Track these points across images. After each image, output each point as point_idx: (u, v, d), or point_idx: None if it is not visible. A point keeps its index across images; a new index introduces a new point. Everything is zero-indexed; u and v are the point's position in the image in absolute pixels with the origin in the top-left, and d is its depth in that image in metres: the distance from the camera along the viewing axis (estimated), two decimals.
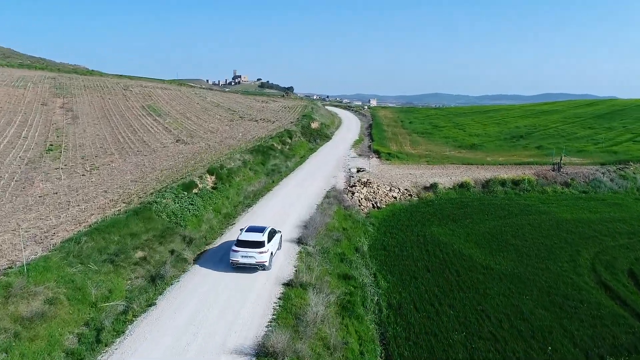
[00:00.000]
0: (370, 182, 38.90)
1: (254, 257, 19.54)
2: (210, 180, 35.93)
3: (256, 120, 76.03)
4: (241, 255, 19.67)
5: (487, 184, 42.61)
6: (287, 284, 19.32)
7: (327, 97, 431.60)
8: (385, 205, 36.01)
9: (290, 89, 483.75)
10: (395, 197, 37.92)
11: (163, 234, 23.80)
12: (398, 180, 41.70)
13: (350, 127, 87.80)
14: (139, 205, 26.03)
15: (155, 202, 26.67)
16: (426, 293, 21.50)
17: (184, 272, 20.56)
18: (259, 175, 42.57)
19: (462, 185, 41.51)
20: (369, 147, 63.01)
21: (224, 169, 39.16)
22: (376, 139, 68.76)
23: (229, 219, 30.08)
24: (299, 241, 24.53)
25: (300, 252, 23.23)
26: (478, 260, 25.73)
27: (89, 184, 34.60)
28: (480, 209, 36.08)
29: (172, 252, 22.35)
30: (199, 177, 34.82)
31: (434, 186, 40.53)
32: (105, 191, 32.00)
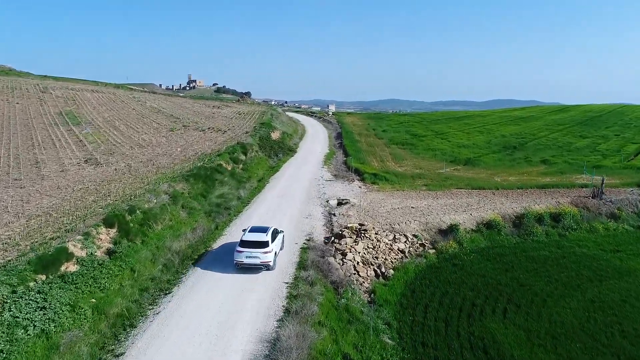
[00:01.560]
0: (364, 228, 25.39)
1: (259, 257, 19.19)
2: (106, 237, 21.24)
3: (203, 130, 61.02)
4: (245, 256, 19.26)
5: (519, 222, 30.26)
6: None
7: (286, 102, 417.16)
8: (393, 268, 22.61)
9: (248, 94, 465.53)
10: (403, 252, 24.65)
11: None
12: (399, 219, 28.51)
13: (317, 136, 74.35)
14: None
15: None
16: None
17: None
18: (196, 216, 28.13)
19: (489, 225, 28.88)
20: (345, 163, 49.69)
21: (137, 212, 24.54)
22: (351, 152, 55.63)
23: (117, 335, 15.47)
24: None
25: None
26: None
27: None
28: (534, 271, 23.46)
29: None
30: (83, 235, 20.11)
31: (453, 229, 27.61)
32: None
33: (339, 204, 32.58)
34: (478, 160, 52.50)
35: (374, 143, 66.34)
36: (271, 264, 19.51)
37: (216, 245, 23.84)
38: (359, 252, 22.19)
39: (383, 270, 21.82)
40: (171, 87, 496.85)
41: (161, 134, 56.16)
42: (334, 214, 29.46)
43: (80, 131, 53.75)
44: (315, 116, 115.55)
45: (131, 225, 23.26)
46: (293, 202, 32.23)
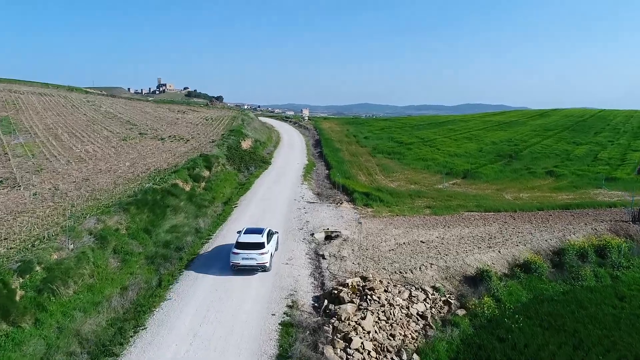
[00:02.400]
0: (369, 286, 17.92)
1: (255, 259, 19.02)
2: None
3: (162, 139, 52.43)
4: (242, 258, 19.05)
5: (558, 259, 23.54)
6: None
7: (259, 106, 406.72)
8: (417, 351, 15.19)
9: (220, 98, 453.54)
10: (424, 317, 17.34)
11: None
12: (410, 261, 21.25)
13: (293, 144, 66.68)
14: None
15: None
16: None
17: None
18: (132, 265, 20.08)
19: (526, 268, 21.95)
20: (328, 177, 42.27)
21: (35, 270, 16.41)
22: (334, 164, 48.24)
23: None
24: None
25: None
26: None
27: None
28: (608, 341, 16.59)
29: None
30: None
31: (483, 276, 20.49)
32: None
33: (328, 237, 25.05)
34: (477, 172, 46.02)
35: (357, 152, 59.20)
36: (267, 264, 19.43)
37: (154, 318, 15.86)
38: (369, 332, 14.66)
39: (405, 358, 14.38)
40: (140, 91, 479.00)
41: (110, 144, 47.26)
42: (323, 256, 21.87)
43: (9, 142, 44.35)
44: (290, 121, 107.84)
45: (18, 296, 15.09)
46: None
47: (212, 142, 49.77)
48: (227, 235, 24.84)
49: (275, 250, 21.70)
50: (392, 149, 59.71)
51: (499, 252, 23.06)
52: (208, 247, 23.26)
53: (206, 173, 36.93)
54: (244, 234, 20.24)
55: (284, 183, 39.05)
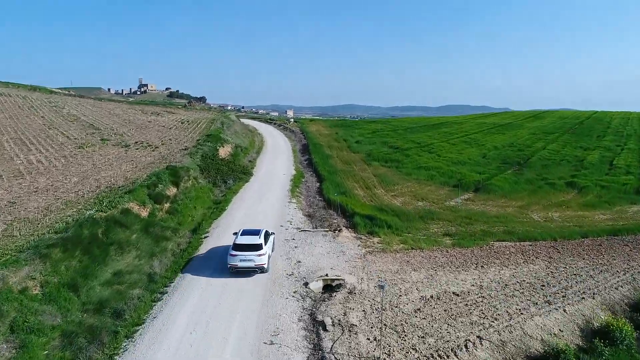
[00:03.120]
0: None
1: (253, 260, 18.60)
2: None
3: (127, 146, 45.04)
4: (240, 259, 18.59)
5: (638, 316, 17.40)
6: None
7: (243, 107, 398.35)
8: None
9: (203, 99, 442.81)
10: None
11: None
12: (447, 335, 14.79)
13: (279, 150, 59.81)
14: None
15: None
16: None
17: None
18: (36, 355, 13.05)
19: (606, 336, 15.69)
20: (320, 192, 35.64)
21: None
22: (325, 174, 41.63)
23: None
24: None
25: None
26: None
27: None
28: None
29: None
30: None
31: (556, 357, 14.07)
32: None
33: (327, 287, 18.45)
34: (489, 184, 39.91)
35: (350, 159, 52.67)
36: (265, 266, 18.92)
37: None
38: None
39: None
40: (121, 92, 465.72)
41: (62, 153, 39.73)
42: (324, 325, 15.23)
43: None
44: (275, 123, 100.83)
45: None
46: (245, 292, 17.68)
47: (185, 149, 42.65)
48: (188, 288, 17.94)
49: (272, 251, 21.21)
50: (389, 156, 53.31)
51: (564, 311, 16.76)
52: (161, 307, 16.40)
53: (172, 191, 29.90)
54: (240, 235, 19.78)
55: (267, 201, 32.24)
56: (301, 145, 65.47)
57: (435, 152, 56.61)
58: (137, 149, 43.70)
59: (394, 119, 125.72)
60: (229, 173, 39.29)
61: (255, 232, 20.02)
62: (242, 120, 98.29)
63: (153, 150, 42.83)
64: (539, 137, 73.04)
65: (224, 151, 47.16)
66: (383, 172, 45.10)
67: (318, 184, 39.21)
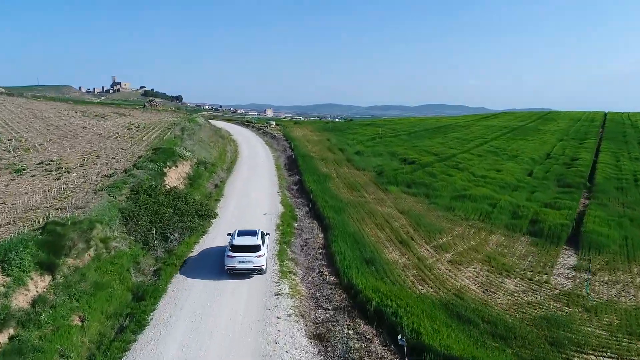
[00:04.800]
0: None
1: (252, 262, 17.47)
2: None
3: (22, 170, 28.59)
4: (238, 261, 17.43)
5: None
6: None
7: (220, 106, 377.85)
8: None
9: (179, 98, 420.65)
10: None
11: None
12: None
13: (257, 165, 44.06)
14: None
15: None
16: None
17: None
18: None
19: None
20: (327, 258, 20.20)
21: None
22: (328, 215, 26.17)
23: None
24: None
25: None
26: None
27: None
28: None
29: None
30: None
31: None
32: None
33: None
34: (587, 232, 25.07)
35: (356, 181, 37.45)
36: (264, 267, 17.97)
37: None
38: None
39: None
40: (92, 90, 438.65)
41: None
42: None
43: None
44: (253, 127, 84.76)
45: None
46: None
47: (109, 176, 26.62)
48: None
49: (267, 251, 19.09)
50: (408, 176, 38.26)
51: None
52: None
53: (41, 281, 14.17)
54: (237, 236, 18.54)
55: (236, 292, 16.72)
56: (286, 157, 49.86)
57: (466, 169, 41.88)
58: (34, 175, 27.39)
59: (387, 120, 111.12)
60: (178, 218, 23.50)
61: (252, 233, 18.80)
62: (216, 122, 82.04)
63: (58, 179, 26.60)
64: (571, 144, 59.54)
65: (176, 175, 31.27)
66: (411, 206, 30.01)
67: (321, 235, 23.84)
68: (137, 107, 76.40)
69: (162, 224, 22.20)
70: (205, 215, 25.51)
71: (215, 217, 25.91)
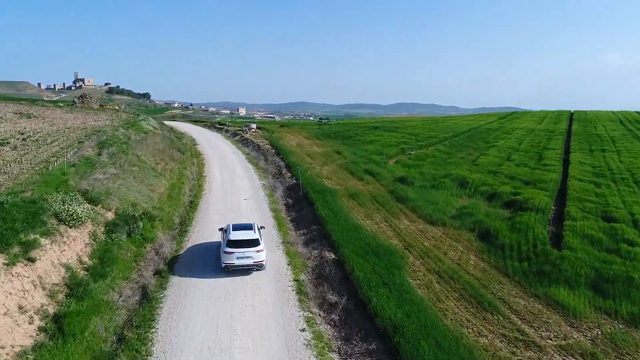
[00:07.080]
0: None
1: (252, 257, 15.75)
2: None
3: None
4: (237, 257, 15.65)
5: None
6: None
7: (191, 104, 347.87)
8: None
9: (147, 95, 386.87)
10: None
11: None
12: None
13: (238, 212, 22.82)
14: None
15: None
16: None
17: None
18: None
19: None
20: None
21: None
22: None
23: None
24: None
25: None
26: None
27: None
28: None
29: None
30: None
31: None
32: None
33: None
34: None
35: (461, 266, 17.00)
36: (264, 263, 16.17)
37: None
38: None
39: None
40: (52, 87, 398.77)
41: None
42: None
43: None
44: (227, 131, 62.72)
45: None
46: None
47: None
48: None
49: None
50: (492, 223, 18.28)
51: None
52: None
53: None
54: (232, 230, 16.53)
55: None
56: (285, 188, 28.50)
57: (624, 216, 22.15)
58: None
59: (391, 120, 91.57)
60: None
61: (249, 227, 16.99)
62: (180, 124, 59.94)
63: None
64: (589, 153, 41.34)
65: (28, 283, 9.77)
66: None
67: None
68: (62, 106, 53.60)
69: None
70: None
71: None
